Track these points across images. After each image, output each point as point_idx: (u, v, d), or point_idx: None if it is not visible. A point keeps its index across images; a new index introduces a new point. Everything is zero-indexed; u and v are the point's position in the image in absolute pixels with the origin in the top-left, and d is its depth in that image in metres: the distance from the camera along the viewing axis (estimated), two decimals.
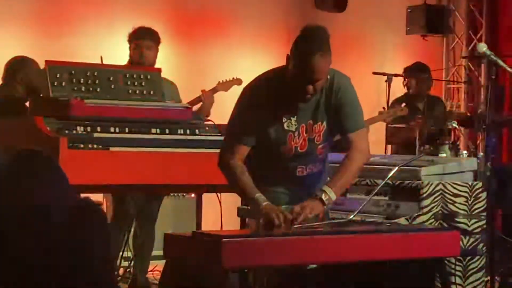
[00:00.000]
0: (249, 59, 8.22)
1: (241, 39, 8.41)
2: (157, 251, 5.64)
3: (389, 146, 7.33)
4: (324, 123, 3.81)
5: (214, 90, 6.57)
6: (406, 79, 7.31)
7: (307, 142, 3.82)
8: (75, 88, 4.68)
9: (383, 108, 7.00)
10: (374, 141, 6.84)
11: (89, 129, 4.45)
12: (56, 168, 2.56)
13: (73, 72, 4.71)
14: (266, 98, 3.74)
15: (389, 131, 7.12)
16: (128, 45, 5.81)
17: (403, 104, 6.81)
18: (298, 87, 3.66)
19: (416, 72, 7.28)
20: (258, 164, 3.83)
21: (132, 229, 5.87)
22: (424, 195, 4.41)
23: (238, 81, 6.59)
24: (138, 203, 5.73)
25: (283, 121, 3.77)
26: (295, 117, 3.78)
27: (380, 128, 7.13)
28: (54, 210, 2.48)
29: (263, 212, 3.60)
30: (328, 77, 3.72)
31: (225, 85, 6.63)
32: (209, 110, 6.23)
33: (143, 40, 5.73)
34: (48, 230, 2.45)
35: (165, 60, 6.93)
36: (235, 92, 6.53)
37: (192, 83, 7.65)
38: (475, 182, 4.64)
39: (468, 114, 8.61)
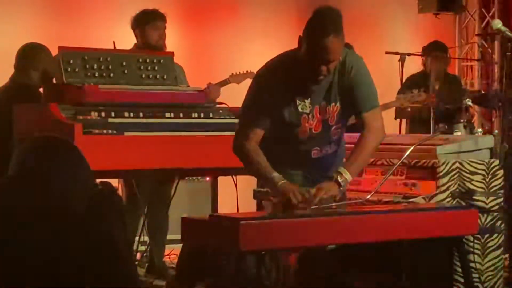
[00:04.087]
0: (260, 42, 8.19)
1: (252, 21, 8.38)
2: (174, 235, 5.65)
3: (404, 125, 7.29)
4: (338, 104, 3.79)
5: (225, 82, 6.54)
6: (423, 58, 7.26)
7: (321, 123, 3.81)
8: (89, 74, 4.69)
9: (400, 92, 6.95)
10: (388, 121, 6.84)
11: (103, 114, 4.46)
12: (75, 152, 2.56)
13: (86, 58, 4.72)
14: (279, 81, 3.73)
15: (398, 108, 7.08)
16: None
17: (422, 89, 6.76)
18: (311, 68, 3.64)
19: (433, 51, 7.22)
20: (273, 147, 3.82)
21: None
22: (441, 173, 4.39)
23: (251, 75, 6.55)
24: (151, 188, 5.72)
25: (297, 103, 3.77)
26: (309, 99, 3.77)
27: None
28: (73, 195, 2.48)
29: (280, 190, 3.60)
30: (340, 57, 3.70)
31: (237, 78, 6.60)
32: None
33: (163, 22, 5.71)
34: (67, 215, 2.45)
35: (176, 44, 6.91)
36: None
37: (203, 67, 7.65)
38: (492, 160, 4.61)
39: (482, 92, 8.56)
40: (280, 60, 3.81)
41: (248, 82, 6.47)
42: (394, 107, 7.07)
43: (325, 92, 3.77)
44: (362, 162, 3.82)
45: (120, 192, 5.85)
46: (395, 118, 7.15)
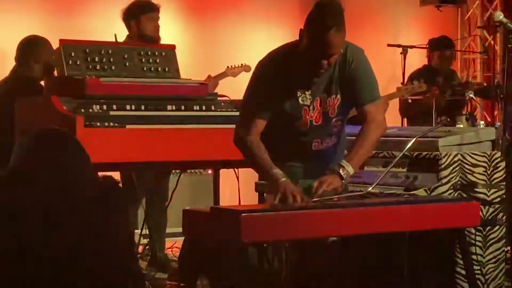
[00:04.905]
0: (262, 33, 8.19)
1: (254, 12, 8.38)
2: (176, 228, 5.65)
3: (405, 119, 7.29)
4: (338, 96, 3.79)
5: (222, 75, 6.56)
6: (429, 52, 7.25)
7: (321, 115, 3.80)
8: (90, 67, 4.69)
9: (401, 83, 6.96)
10: (390, 114, 6.84)
11: (105, 107, 4.45)
12: (76, 145, 2.56)
13: (87, 50, 4.72)
14: (280, 73, 3.73)
15: (403, 105, 7.08)
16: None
17: (422, 80, 6.76)
18: (312, 62, 3.64)
19: (441, 47, 7.22)
20: (273, 139, 3.82)
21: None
22: (443, 166, 4.38)
23: (247, 68, 6.59)
24: (147, 181, 5.71)
25: (298, 95, 3.77)
26: (309, 91, 3.77)
27: (395, 101, 7.09)
28: (74, 188, 2.48)
29: (280, 189, 3.58)
30: (341, 50, 3.69)
31: (233, 71, 6.63)
32: None
33: (157, 12, 5.69)
34: (67, 208, 2.45)
35: (178, 36, 6.92)
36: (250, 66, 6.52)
37: (205, 58, 7.65)
38: (494, 152, 4.61)
39: (485, 85, 8.56)
40: (281, 51, 3.81)
41: (244, 74, 6.52)
42: (399, 106, 7.09)
43: (326, 84, 3.77)
44: (364, 154, 3.81)
45: (121, 185, 5.85)
46: (402, 118, 7.15)
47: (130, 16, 5.67)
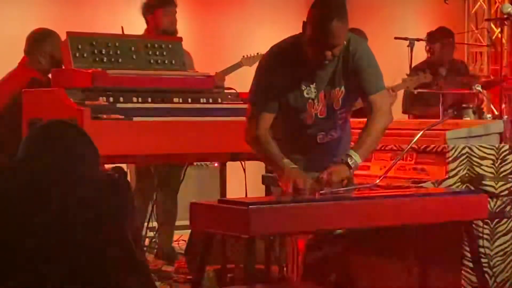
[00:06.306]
0: (268, 26, 8.18)
1: (260, 6, 8.37)
2: (183, 221, 5.64)
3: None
4: (342, 88, 3.79)
5: (238, 65, 6.57)
6: (429, 45, 7.22)
7: (326, 108, 3.80)
8: (97, 59, 4.69)
9: (406, 75, 6.93)
10: (398, 107, 6.83)
11: (111, 99, 4.46)
12: (84, 137, 2.56)
13: (94, 43, 4.72)
14: (284, 66, 3.73)
15: (408, 99, 7.03)
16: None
17: (428, 71, 6.74)
18: (315, 53, 3.63)
19: (440, 37, 7.19)
20: (278, 132, 3.82)
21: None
22: (450, 158, 4.37)
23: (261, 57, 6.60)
24: (160, 173, 5.73)
25: (302, 88, 3.77)
26: (314, 84, 3.77)
27: (400, 94, 7.07)
28: (81, 180, 2.48)
29: (290, 176, 3.58)
30: (344, 41, 3.68)
31: (249, 60, 6.64)
32: None
33: (174, 7, 5.71)
34: (74, 199, 2.45)
35: (185, 30, 6.90)
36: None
37: (212, 52, 7.64)
38: (502, 145, 4.59)
39: (492, 78, 8.53)
40: (285, 45, 3.81)
41: (254, 66, 6.51)
42: (403, 99, 7.06)
43: (330, 76, 3.76)
44: (371, 144, 3.80)
45: (128, 177, 5.86)
46: (403, 112, 7.12)
47: (147, 10, 5.71)
